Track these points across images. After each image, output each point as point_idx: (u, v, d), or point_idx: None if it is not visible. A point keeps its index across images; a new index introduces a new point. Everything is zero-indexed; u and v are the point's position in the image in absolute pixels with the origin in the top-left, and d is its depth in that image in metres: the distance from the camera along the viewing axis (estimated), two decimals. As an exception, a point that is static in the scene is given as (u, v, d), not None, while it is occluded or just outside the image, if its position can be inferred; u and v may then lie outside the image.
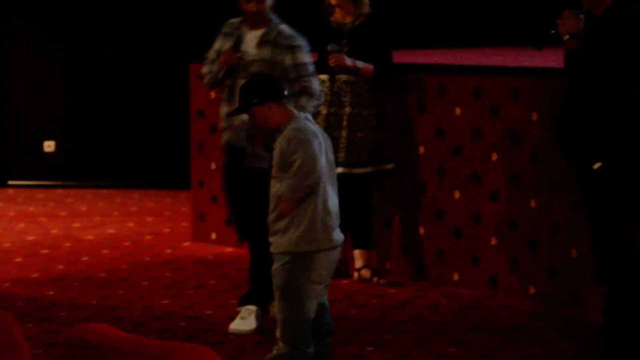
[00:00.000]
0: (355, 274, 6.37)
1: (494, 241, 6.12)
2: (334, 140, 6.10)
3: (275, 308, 4.57)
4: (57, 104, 9.23)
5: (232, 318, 5.52)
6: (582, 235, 5.74)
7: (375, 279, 6.30)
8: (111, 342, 2.52)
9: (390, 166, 6.29)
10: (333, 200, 4.55)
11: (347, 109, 6.16)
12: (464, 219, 6.20)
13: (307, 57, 5.36)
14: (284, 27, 5.41)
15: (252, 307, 5.39)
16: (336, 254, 4.59)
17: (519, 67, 6.27)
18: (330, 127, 6.16)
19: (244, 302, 5.45)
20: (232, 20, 5.51)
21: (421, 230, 6.39)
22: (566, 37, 4.53)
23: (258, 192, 5.13)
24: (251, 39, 5.39)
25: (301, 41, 5.38)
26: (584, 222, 5.68)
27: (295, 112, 4.58)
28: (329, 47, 6.10)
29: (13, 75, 9.26)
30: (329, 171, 4.54)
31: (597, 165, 4.40)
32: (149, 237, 7.50)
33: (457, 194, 6.25)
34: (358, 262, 6.37)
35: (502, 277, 6.08)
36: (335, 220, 4.56)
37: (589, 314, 5.56)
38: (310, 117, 4.62)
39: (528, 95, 5.95)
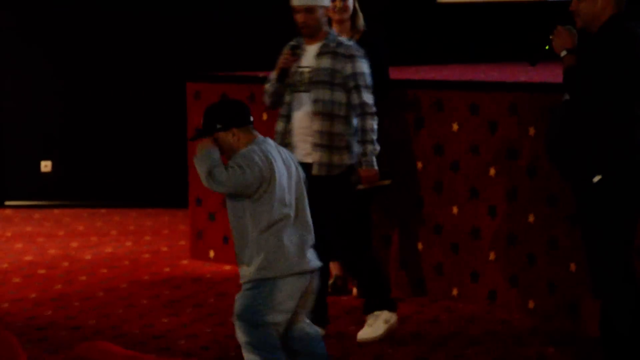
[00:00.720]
0: (355, 290, 6.36)
1: (492, 256, 6.12)
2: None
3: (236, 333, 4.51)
4: (54, 123, 9.24)
5: (231, 337, 5.51)
6: (580, 248, 5.74)
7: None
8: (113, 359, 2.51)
9: (387, 182, 6.29)
10: (303, 229, 4.47)
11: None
12: (462, 234, 6.21)
13: (366, 67, 5.44)
14: (343, 39, 5.52)
15: (378, 312, 5.48)
16: (304, 281, 4.46)
17: (515, 82, 6.29)
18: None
19: (367, 310, 5.51)
20: (293, 41, 5.56)
21: (419, 246, 6.39)
22: (563, 52, 4.56)
23: (333, 200, 5.31)
24: (310, 51, 5.47)
25: (360, 52, 5.46)
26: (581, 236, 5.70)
27: (260, 137, 4.50)
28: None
29: (9, 95, 9.27)
30: (298, 202, 4.47)
31: (597, 178, 4.42)
32: (147, 255, 7.50)
33: (455, 209, 6.25)
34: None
35: (501, 291, 6.08)
36: (302, 249, 4.45)
37: (587, 328, 5.56)
38: (274, 144, 4.52)
39: (524, 110, 5.97)
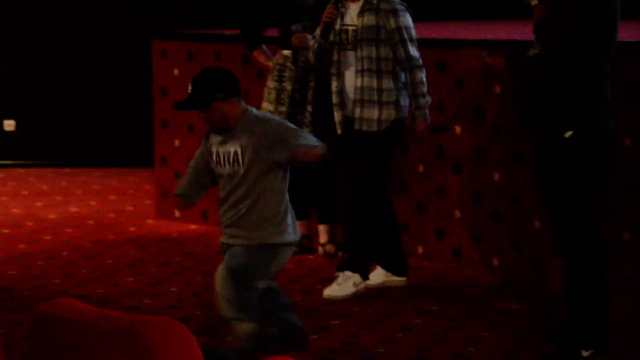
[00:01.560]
0: (320, 249, 6.38)
1: (457, 214, 6.15)
2: (300, 115, 6.10)
3: (220, 286, 4.50)
4: (17, 82, 9.14)
5: (197, 295, 5.51)
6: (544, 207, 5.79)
7: (340, 253, 6.31)
8: (81, 317, 2.51)
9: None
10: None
11: (312, 84, 6.15)
12: (428, 192, 6.23)
13: (409, 21, 5.47)
14: None
15: (350, 274, 5.47)
16: (292, 251, 4.58)
17: (483, 40, 6.27)
18: (296, 103, 6.15)
19: (342, 267, 5.52)
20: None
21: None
22: (534, 1, 4.52)
23: (367, 154, 5.37)
24: (353, 9, 5.50)
25: (403, 6, 5.48)
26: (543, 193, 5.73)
27: (248, 107, 4.51)
28: (293, 28, 6.09)
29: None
30: None
31: (569, 134, 4.43)
32: (112, 215, 7.46)
33: (421, 168, 6.26)
34: (323, 237, 6.38)
35: (466, 249, 6.12)
36: (295, 219, 4.57)
37: (551, 284, 5.62)
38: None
39: (491, 68, 5.97)
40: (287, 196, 4.54)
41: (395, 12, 5.42)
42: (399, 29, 5.42)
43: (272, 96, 6.20)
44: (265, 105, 6.23)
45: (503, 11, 8.14)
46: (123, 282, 5.83)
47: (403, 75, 5.47)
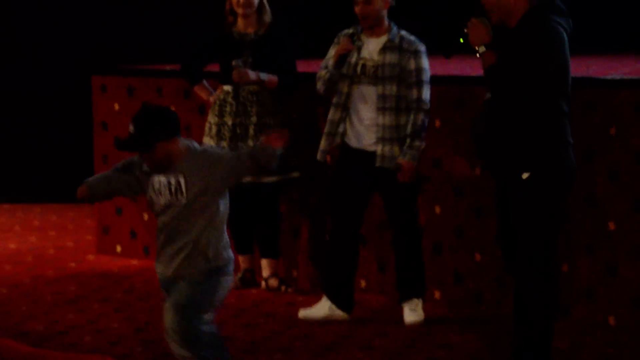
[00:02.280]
0: (263, 283, 6.36)
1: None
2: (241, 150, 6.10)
3: (169, 324, 4.44)
4: (-45, 117, 9.03)
5: (139, 331, 5.45)
6: (485, 238, 5.84)
7: (283, 287, 6.30)
8: (15, 356, 2.46)
9: (296, 174, 6.31)
10: None
11: (254, 119, 6.16)
12: (370, 225, 6.24)
13: (426, 64, 5.53)
14: (405, 33, 5.58)
15: (416, 300, 5.59)
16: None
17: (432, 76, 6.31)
18: (237, 137, 6.15)
19: (404, 298, 5.60)
20: (346, 30, 5.62)
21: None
22: (482, 48, 4.56)
23: (396, 190, 5.44)
24: (372, 44, 5.53)
25: (423, 47, 5.54)
26: (487, 227, 5.78)
27: (190, 143, 4.49)
28: (234, 63, 6.10)
29: None
30: None
31: (525, 175, 4.48)
32: (52, 251, 7.38)
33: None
34: (265, 272, 6.36)
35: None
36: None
37: (491, 315, 5.65)
38: None
39: (434, 102, 6.02)
40: (225, 227, 4.52)
41: (417, 54, 5.50)
42: (417, 70, 5.49)
43: (214, 131, 6.20)
44: (207, 139, 6.23)
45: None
46: (63, 319, 5.76)
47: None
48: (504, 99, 4.51)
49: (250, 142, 6.14)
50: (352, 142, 5.57)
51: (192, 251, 4.44)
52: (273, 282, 6.33)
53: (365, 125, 5.53)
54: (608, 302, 5.56)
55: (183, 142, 4.49)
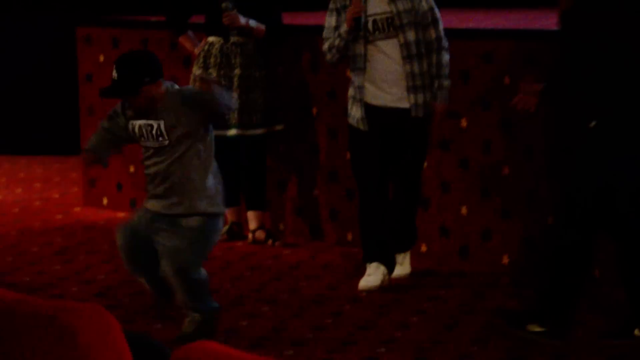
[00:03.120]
0: (250, 236, 6.36)
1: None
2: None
3: (172, 281, 4.52)
4: (-61, 69, 8.96)
5: (125, 283, 5.46)
6: (471, 192, 5.85)
7: (270, 241, 6.31)
8: (3, 303, 2.47)
9: (280, 127, 6.29)
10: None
11: (238, 71, 6.13)
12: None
13: (433, 1, 5.46)
14: None
15: (404, 253, 5.54)
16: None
17: (487, 29, 6.27)
18: (222, 89, 6.12)
19: (402, 248, 5.53)
20: None
21: (315, 192, 6.41)
22: None
23: (423, 141, 5.39)
24: None
25: None
26: (471, 180, 5.78)
27: (169, 85, 4.52)
28: (223, 5, 6.04)
29: None
30: None
31: (592, 124, 4.50)
32: (38, 203, 7.36)
33: (349, 155, 6.27)
34: (252, 224, 6.36)
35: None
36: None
37: (476, 268, 5.68)
38: None
39: (499, 57, 5.99)
40: (215, 165, 4.57)
41: None
42: (431, 9, 5.40)
43: (197, 83, 6.16)
44: (193, 91, 6.19)
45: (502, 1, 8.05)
46: (49, 270, 5.76)
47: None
48: (576, 45, 4.51)
49: (235, 95, 6.11)
50: (374, 101, 5.37)
51: (184, 188, 4.48)
52: (260, 235, 6.33)
53: (389, 80, 5.34)
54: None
55: (165, 84, 4.50)
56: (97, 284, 5.52)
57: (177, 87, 4.56)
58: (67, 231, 6.62)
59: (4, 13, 8.91)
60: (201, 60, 6.18)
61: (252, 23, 6.08)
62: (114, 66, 4.44)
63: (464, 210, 5.88)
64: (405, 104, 5.36)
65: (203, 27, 6.25)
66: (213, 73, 6.12)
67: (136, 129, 4.54)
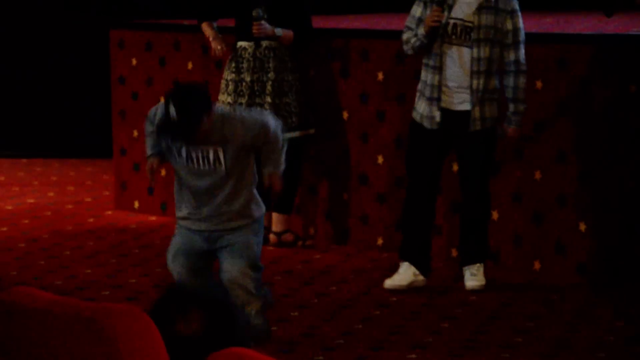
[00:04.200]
0: (272, 237, 6.33)
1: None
2: (259, 107, 6.09)
3: (241, 280, 4.65)
4: (-27, 72, 9.04)
5: (156, 286, 5.48)
6: (496, 199, 5.83)
7: (300, 242, 6.31)
8: (40, 304, 2.48)
9: (312, 131, 6.31)
10: None
11: (271, 75, 6.14)
12: (388, 184, 6.24)
13: (522, 22, 5.37)
14: None
15: (478, 264, 5.46)
16: None
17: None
18: (255, 94, 6.14)
19: (470, 261, 5.47)
20: None
21: (345, 196, 6.42)
22: None
23: (485, 152, 5.35)
24: (467, 4, 5.31)
25: (518, 5, 5.37)
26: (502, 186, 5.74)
27: (220, 110, 4.64)
28: (254, 13, 6.06)
29: None
30: None
31: None
32: (70, 206, 7.41)
33: (380, 159, 6.28)
34: (277, 227, 6.35)
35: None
36: None
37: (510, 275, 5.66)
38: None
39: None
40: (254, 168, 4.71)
41: (513, 13, 5.30)
42: (515, 30, 5.30)
43: (230, 88, 6.18)
44: (224, 97, 6.21)
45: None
46: (81, 273, 5.79)
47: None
48: None
49: (268, 99, 6.13)
50: (441, 101, 5.34)
51: (240, 204, 4.59)
52: (288, 237, 6.33)
53: (456, 85, 5.30)
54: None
55: (216, 109, 4.54)
56: (128, 288, 5.54)
57: (220, 112, 4.57)
58: (99, 235, 6.65)
59: (39, 16, 8.97)
60: (233, 64, 6.20)
61: (278, 32, 6.09)
62: (171, 104, 4.36)
63: (494, 215, 5.87)
64: (468, 108, 5.33)
65: (234, 32, 6.27)
66: (246, 78, 6.14)
67: (183, 152, 4.57)
